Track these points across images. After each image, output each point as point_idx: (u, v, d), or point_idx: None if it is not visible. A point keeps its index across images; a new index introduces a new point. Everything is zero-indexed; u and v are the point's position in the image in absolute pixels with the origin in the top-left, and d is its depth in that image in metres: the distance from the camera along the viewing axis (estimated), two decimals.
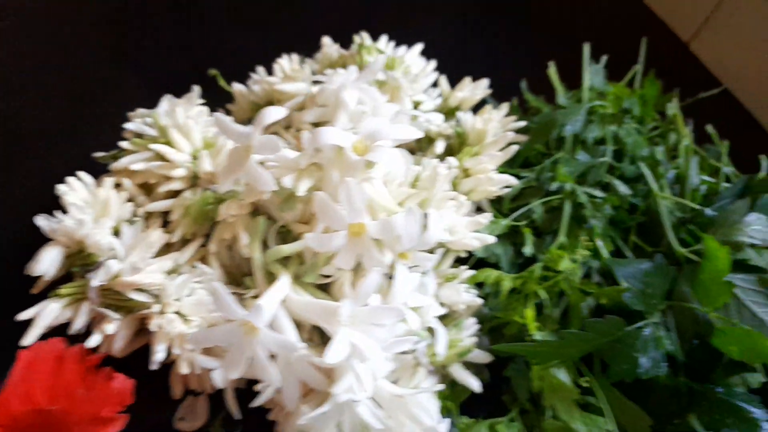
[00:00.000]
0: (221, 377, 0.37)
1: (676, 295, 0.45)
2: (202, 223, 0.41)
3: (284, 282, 0.37)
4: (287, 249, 0.38)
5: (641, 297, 0.42)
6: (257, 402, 0.36)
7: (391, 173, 0.40)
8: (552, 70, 0.52)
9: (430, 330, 0.41)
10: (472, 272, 0.44)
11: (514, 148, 0.44)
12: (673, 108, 0.51)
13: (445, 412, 0.43)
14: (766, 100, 0.78)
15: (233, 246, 0.41)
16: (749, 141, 0.65)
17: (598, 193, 0.46)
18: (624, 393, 0.42)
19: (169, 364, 0.40)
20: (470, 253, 0.47)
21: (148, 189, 0.42)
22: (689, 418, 0.42)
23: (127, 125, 0.42)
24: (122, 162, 0.41)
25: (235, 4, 0.70)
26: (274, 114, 0.37)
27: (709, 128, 0.53)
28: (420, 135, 0.38)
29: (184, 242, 0.41)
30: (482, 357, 0.44)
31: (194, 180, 0.42)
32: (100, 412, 0.30)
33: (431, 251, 0.40)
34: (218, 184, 0.40)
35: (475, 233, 0.42)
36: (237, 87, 0.51)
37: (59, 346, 0.31)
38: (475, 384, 0.43)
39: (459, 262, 0.46)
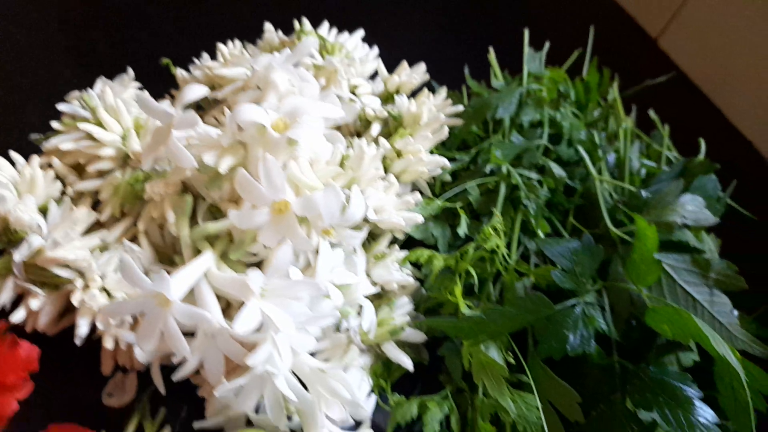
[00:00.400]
0: (144, 352, 0.37)
1: (611, 275, 0.46)
2: (132, 203, 0.41)
3: (206, 258, 0.37)
4: (213, 227, 0.39)
5: (571, 276, 0.42)
6: (177, 376, 0.36)
7: (318, 153, 0.40)
8: (492, 56, 0.53)
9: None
10: (404, 252, 0.44)
11: (446, 130, 0.45)
12: (613, 93, 0.51)
13: (378, 389, 0.43)
14: (732, 94, 0.79)
15: (164, 225, 0.41)
16: (716, 134, 0.65)
17: (533, 175, 0.46)
18: (557, 373, 0.42)
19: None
20: (409, 236, 0.47)
21: (80, 170, 0.43)
22: (622, 396, 0.42)
23: (61, 106, 0.42)
24: (52, 142, 0.41)
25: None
26: (194, 92, 0.37)
27: (651, 113, 0.53)
28: (341, 114, 0.38)
29: (116, 222, 0.42)
30: (415, 336, 0.44)
31: (124, 160, 0.42)
32: (4, 379, 0.30)
33: (358, 228, 0.40)
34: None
35: (405, 213, 0.42)
36: (180, 73, 0.51)
37: None
38: (407, 362, 0.43)
39: (401, 246, 0.46)
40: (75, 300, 0.36)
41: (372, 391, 0.43)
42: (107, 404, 0.40)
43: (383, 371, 0.44)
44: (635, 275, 0.42)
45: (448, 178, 0.48)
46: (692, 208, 0.44)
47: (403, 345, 0.45)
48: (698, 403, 0.42)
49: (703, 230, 0.49)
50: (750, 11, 0.74)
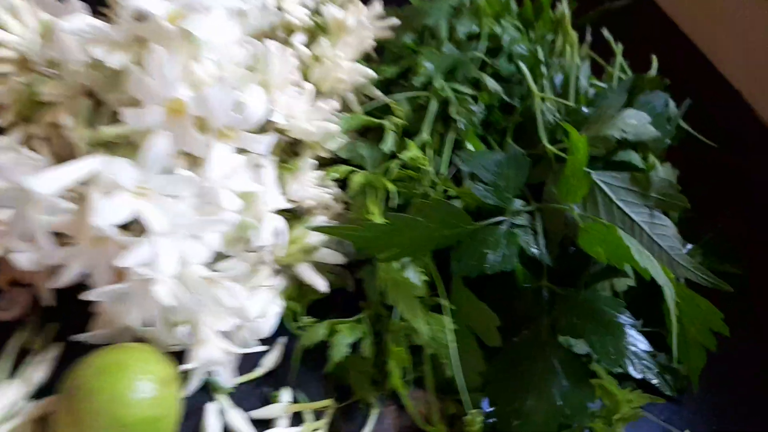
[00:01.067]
0: (26, 259, 0.35)
1: (546, 196, 0.42)
2: (31, 108, 0.39)
3: (91, 161, 0.35)
4: (110, 131, 0.36)
5: (494, 190, 0.39)
6: (56, 284, 0.34)
7: (226, 55, 0.38)
8: None
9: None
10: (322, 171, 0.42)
11: (369, 38, 0.42)
12: (562, 7, 0.48)
13: (290, 312, 0.41)
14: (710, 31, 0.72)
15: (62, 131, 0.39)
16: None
17: (466, 90, 0.43)
18: (484, 298, 0.40)
19: None
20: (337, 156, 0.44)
21: None
22: (548, 321, 0.39)
23: None
24: None
25: None
26: None
27: (605, 32, 0.50)
28: (237, 4, 0.35)
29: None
30: (332, 257, 0.41)
31: (25, 64, 0.40)
32: None
33: (261, 132, 0.38)
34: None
35: (318, 122, 0.39)
36: None
37: None
38: (321, 284, 0.41)
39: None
40: None
41: (285, 314, 0.41)
42: None
43: (297, 294, 0.42)
44: (565, 191, 0.39)
45: (384, 101, 0.45)
46: (634, 122, 0.40)
47: (325, 269, 0.42)
48: (630, 331, 0.39)
49: (653, 155, 0.46)
50: None
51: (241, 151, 0.38)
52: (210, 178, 0.35)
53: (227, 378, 0.37)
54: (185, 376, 0.35)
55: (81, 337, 0.35)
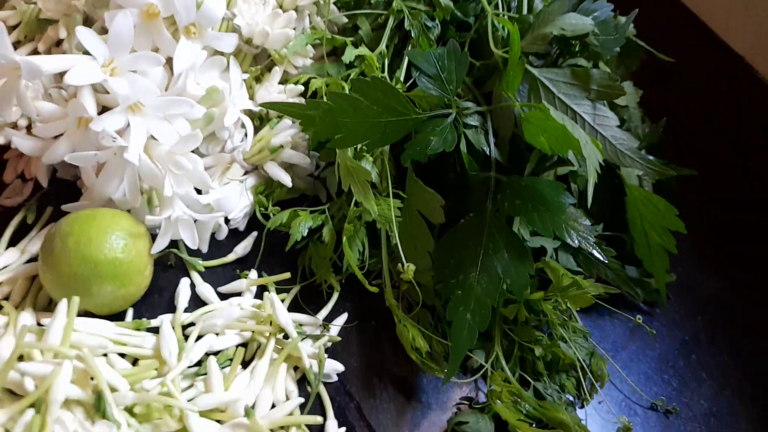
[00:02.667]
0: (26, 145, 0.40)
1: (495, 98, 0.45)
2: (36, 27, 0.45)
3: (78, 58, 0.40)
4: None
5: (437, 82, 0.42)
6: (50, 158, 0.39)
7: None
8: None
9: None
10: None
11: None
12: None
13: (259, 205, 0.45)
14: None
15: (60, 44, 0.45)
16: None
17: (420, 6, 0.47)
18: (434, 187, 0.42)
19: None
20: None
21: None
22: (493, 206, 0.41)
23: None
24: None
25: None
26: None
27: None
28: None
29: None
30: (297, 158, 0.45)
31: None
32: None
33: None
34: None
35: (279, 29, 0.44)
36: None
37: None
38: (286, 179, 0.44)
39: None
40: None
41: (255, 207, 0.45)
42: (3, 204, 0.43)
43: (265, 189, 0.45)
44: (506, 83, 0.42)
45: (344, 20, 0.50)
46: (573, 22, 0.43)
47: (296, 177, 0.46)
48: (570, 209, 0.41)
49: (604, 64, 0.48)
50: None
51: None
52: (176, 66, 0.40)
53: (192, 241, 0.40)
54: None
55: (69, 206, 0.40)
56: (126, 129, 0.38)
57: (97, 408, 0.31)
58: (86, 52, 0.38)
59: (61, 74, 0.37)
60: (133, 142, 0.37)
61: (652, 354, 0.46)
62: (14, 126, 0.42)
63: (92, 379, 0.32)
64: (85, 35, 0.35)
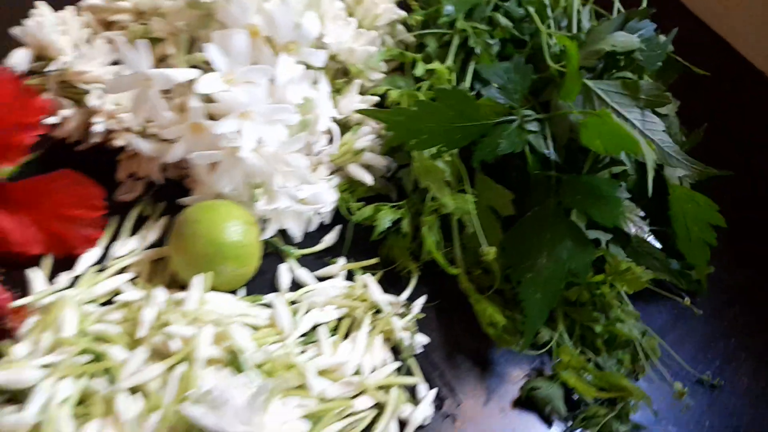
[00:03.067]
0: (146, 146, 0.46)
1: (552, 107, 0.51)
2: None
3: (192, 71, 0.46)
4: (202, 55, 0.48)
5: (504, 92, 0.48)
6: (170, 157, 0.44)
7: None
8: None
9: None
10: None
11: None
12: None
13: (344, 202, 0.50)
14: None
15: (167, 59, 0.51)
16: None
17: (482, 26, 0.53)
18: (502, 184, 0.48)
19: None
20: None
21: (107, 26, 0.53)
22: (555, 200, 0.47)
23: None
24: (84, 3, 0.52)
25: None
26: None
27: None
28: None
29: None
30: (375, 160, 0.51)
31: (138, 14, 0.52)
32: (26, 119, 0.40)
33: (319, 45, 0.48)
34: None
35: (361, 46, 0.50)
36: None
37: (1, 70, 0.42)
38: (367, 178, 0.50)
39: None
40: (92, 100, 0.46)
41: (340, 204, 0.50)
42: (120, 199, 0.49)
43: (349, 188, 0.51)
44: (564, 93, 0.47)
45: (411, 39, 0.56)
46: (621, 38, 0.49)
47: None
48: (626, 202, 0.46)
49: (648, 77, 0.54)
50: None
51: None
52: (278, 79, 0.45)
53: (297, 228, 0.46)
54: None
55: (186, 199, 0.45)
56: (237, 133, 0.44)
57: (233, 365, 0.36)
58: (196, 66, 0.44)
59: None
60: (246, 143, 0.43)
61: (695, 337, 0.51)
62: (128, 131, 0.48)
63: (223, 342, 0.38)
64: (213, 51, 0.41)
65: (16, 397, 0.36)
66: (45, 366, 0.36)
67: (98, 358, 0.37)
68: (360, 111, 0.47)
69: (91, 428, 0.34)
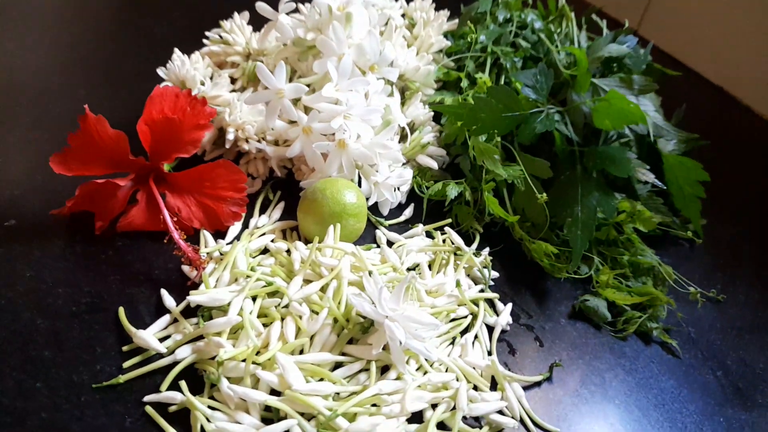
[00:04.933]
0: (270, 149, 0.61)
1: (569, 102, 0.67)
2: (253, 79, 0.67)
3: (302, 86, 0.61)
4: (305, 80, 0.63)
5: (534, 90, 0.63)
6: (289, 153, 0.59)
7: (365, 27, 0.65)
8: None
9: (405, 131, 0.65)
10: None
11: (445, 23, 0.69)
12: (561, 2, 0.75)
13: (416, 183, 0.65)
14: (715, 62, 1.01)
15: None
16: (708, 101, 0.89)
17: (508, 49, 0.70)
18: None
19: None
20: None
21: (221, 66, 0.69)
22: (580, 166, 0.62)
23: (210, 33, 0.70)
24: (204, 50, 0.68)
25: None
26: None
27: (593, 15, 0.77)
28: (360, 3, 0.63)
29: (244, 90, 0.67)
30: (437, 152, 0.66)
31: (246, 54, 0.68)
32: (199, 121, 0.54)
33: (391, 65, 0.64)
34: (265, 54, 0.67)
35: (424, 67, 0.66)
36: None
37: (176, 89, 0.56)
38: (433, 163, 0.65)
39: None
40: (225, 118, 0.61)
41: (414, 185, 0.65)
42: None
43: (418, 173, 0.66)
44: (578, 87, 0.63)
45: (452, 64, 0.72)
46: (614, 48, 0.65)
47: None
48: (635, 161, 0.61)
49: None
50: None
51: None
52: (371, 89, 0.61)
53: (391, 196, 0.60)
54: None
55: (306, 182, 0.59)
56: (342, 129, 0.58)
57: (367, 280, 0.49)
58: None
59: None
60: (352, 135, 0.58)
61: (699, 270, 0.65)
62: (246, 140, 0.63)
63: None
64: (332, 68, 0.57)
65: (210, 314, 0.48)
66: (232, 291, 0.49)
67: (268, 285, 0.49)
68: (435, 106, 0.62)
69: (276, 326, 0.47)
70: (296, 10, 0.70)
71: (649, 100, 0.69)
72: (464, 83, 0.69)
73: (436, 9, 0.76)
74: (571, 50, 0.64)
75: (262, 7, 0.63)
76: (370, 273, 0.49)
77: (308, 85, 0.62)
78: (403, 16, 0.76)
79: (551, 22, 0.75)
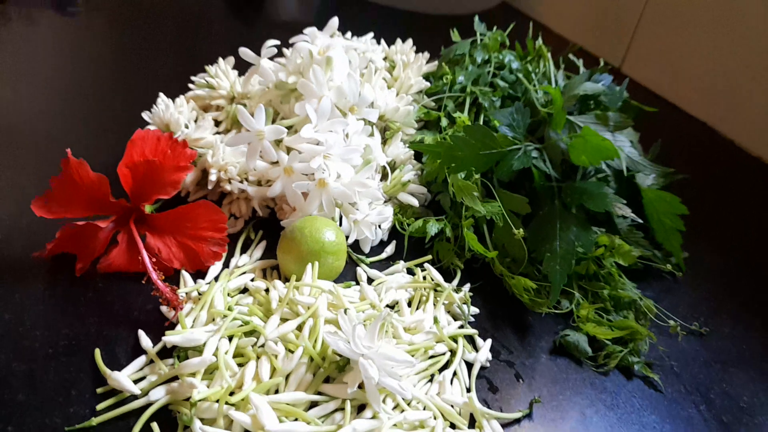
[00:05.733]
0: (252, 189, 0.62)
1: (546, 139, 0.68)
2: (237, 122, 0.68)
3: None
4: (286, 122, 0.65)
5: (511, 128, 0.65)
6: (270, 193, 0.60)
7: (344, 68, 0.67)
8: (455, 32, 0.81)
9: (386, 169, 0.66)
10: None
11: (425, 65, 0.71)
12: (538, 43, 0.77)
13: (398, 221, 0.65)
14: (696, 98, 1.04)
15: None
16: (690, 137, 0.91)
17: (486, 89, 0.71)
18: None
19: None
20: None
21: (206, 109, 0.71)
22: (559, 201, 0.62)
23: (196, 78, 0.72)
24: (189, 94, 0.70)
25: None
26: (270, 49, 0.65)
27: (571, 55, 0.79)
28: (349, 44, 0.65)
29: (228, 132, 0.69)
30: (418, 189, 0.67)
31: (231, 98, 0.70)
32: (179, 163, 0.55)
33: (371, 106, 0.66)
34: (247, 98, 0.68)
35: (404, 108, 0.67)
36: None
37: (158, 132, 0.57)
38: (414, 201, 0.66)
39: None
40: (208, 159, 0.62)
41: (395, 222, 0.65)
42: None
43: (399, 210, 0.66)
44: (554, 125, 0.65)
45: (432, 104, 0.74)
46: (589, 86, 0.67)
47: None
48: (612, 196, 0.62)
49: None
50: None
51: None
52: (350, 130, 0.62)
53: (370, 234, 0.61)
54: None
55: (286, 221, 0.60)
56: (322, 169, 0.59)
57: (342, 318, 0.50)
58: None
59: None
60: (332, 174, 0.59)
61: (682, 304, 0.65)
62: (229, 181, 0.64)
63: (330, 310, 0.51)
64: (310, 111, 0.58)
65: (186, 355, 0.48)
66: (208, 331, 0.49)
67: (245, 324, 0.50)
68: (414, 145, 0.63)
69: (251, 366, 0.47)
70: (279, 55, 0.72)
71: (626, 135, 0.70)
72: (444, 122, 0.70)
73: (417, 51, 0.78)
74: (546, 89, 0.65)
75: (245, 52, 0.65)
76: (345, 311, 0.49)
77: (290, 127, 0.63)
78: (384, 59, 0.78)
79: (529, 62, 0.77)
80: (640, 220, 0.64)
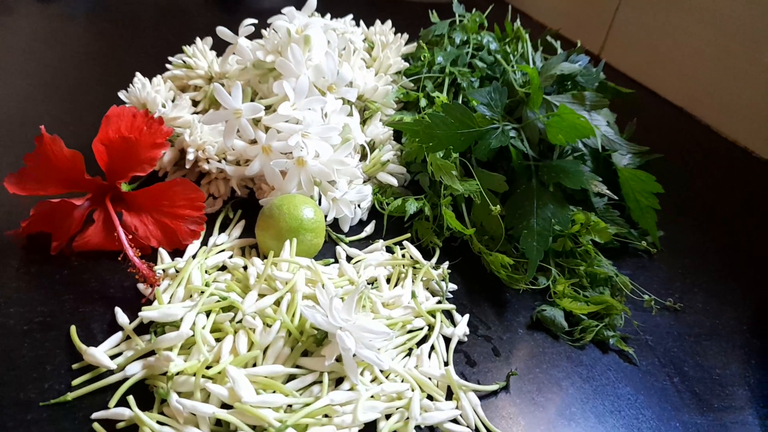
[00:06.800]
0: (230, 168, 0.61)
1: (524, 118, 0.68)
2: (215, 102, 0.68)
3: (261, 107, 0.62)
4: (265, 101, 0.64)
5: (489, 107, 0.65)
6: (248, 172, 0.60)
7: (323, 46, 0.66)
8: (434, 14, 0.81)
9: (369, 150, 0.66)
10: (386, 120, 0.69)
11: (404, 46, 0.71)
12: (516, 25, 0.78)
13: (377, 200, 0.65)
14: (675, 84, 1.05)
15: None
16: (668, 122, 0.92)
17: (465, 69, 0.72)
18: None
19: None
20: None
21: (183, 89, 0.70)
22: (536, 179, 0.63)
23: (173, 58, 0.71)
24: (167, 74, 0.69)
25: None
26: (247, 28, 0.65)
27: (548, 37, 0.79)
28: (329, 23, 0.65)
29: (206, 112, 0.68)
30: (398, 169, 0.67)
31: (208, 78, 0.69)
32: (155, 140, 0.54)
33: (350, 85, 0.65)
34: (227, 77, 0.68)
35: (382, 87, 0.67)
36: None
37: (133, 109, 0.57)
38: (393, 180, 0.66)
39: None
40: (186, 138, 0.62)
41: (374, 202, 0.65)
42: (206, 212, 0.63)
43: (379, 190, 0.66)
44: (531, 104, 0.65)
45: (411, 85, 0.74)
46: (566, 66, 0.68)
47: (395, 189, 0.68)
48: (588, 174, 0.63)
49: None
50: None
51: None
52: (328, 108, 0.62)
53: (349, 212, 0.61)
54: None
55: (265, 200, 0.60)
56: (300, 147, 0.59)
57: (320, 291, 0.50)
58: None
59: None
60: (310, 152, 0.59)
61: (656, 280, 0.66)
62: (207, 160, 0.63)
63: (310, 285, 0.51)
64: (288, 88, 0.58)
65: (163, 330, 0.48)
66: (185, 307, 0.49)
67: (222, 299, 0.49)
68: (391, 124, 0.63)
69: (228, 340, 0.47)
70: (258, 37, 0.72)
71: (603, 115, 0.71)
72: (423, 103, 0.70)
73: (396, 32, 0.78)
74: (524, 69, 0.66)
75: (222, 31, 0.65)
76: (323, 285, 0.49)
77: (269, 107, 0.63)
78: (364, 40, 0.78)
79: (507, 44, 0.77)
80: (616, 197, 0.65)
